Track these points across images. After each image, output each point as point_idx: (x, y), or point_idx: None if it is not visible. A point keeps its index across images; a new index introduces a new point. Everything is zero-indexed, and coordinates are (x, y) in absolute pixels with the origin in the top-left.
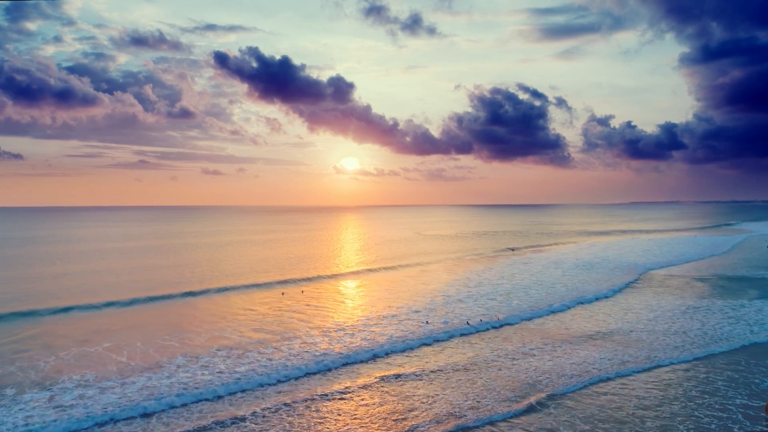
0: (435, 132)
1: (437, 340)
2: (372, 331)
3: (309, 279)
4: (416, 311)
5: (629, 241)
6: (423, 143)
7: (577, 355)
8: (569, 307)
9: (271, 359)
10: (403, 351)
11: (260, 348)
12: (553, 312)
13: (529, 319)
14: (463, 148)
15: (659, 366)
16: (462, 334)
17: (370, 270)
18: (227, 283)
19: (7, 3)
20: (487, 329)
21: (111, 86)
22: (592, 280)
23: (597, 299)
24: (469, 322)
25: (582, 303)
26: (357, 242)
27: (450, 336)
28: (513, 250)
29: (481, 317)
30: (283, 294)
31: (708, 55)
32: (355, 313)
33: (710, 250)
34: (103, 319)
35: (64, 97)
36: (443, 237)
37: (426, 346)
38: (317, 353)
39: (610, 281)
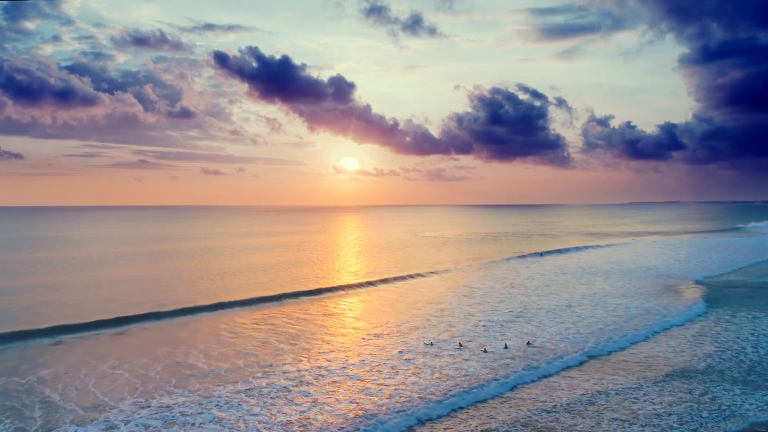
0: (435, 132)
1: (480, 399)
2: (365, 377)
3: (298, 294)
4: (427, 344)
5: (646, 244)
6: (423, 143)
7: (649, 408)
8: (650, 335)
9: (242, 400)
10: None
11: (229, 387)
12: (630, 344)
13: (611, 352)
14: (463, 148)
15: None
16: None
17: (369, 283)
18: (208, 300)
19: (6, 2)
20: (530, 381)
21: (111, 86)
22: (652, 292)
23: (664, 328)
24: (486, 349)
25: (665, 329)
26: (355, 247)
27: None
28: (542, 255)
29: (524, 363)
30: (259, 305)
31: (708, 55)
32: (351, 342)
33: (753, 256)
34: (50, 347)
35: (65, 96)
36: (446, 240)
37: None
38: (293, 415)
39: (669, 295)
